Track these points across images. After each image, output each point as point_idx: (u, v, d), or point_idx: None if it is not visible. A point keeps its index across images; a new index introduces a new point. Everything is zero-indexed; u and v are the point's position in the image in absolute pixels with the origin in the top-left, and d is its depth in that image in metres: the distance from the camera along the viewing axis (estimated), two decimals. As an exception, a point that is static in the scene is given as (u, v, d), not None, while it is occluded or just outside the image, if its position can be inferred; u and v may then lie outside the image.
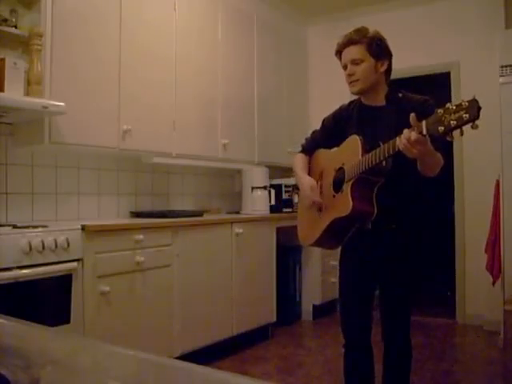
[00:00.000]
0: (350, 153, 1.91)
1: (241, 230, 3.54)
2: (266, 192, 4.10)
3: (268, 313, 3.86)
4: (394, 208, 1.93)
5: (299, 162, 2.25)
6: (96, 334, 2.49)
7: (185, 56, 3.51)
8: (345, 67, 2.02)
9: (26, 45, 2.61)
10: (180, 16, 3.48)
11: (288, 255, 4.29)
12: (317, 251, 4.33)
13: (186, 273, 3.08)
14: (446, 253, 4.69)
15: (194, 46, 3.63)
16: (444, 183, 4.63)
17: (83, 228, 2.49)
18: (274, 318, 3.91)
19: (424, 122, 1.53)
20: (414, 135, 1.56)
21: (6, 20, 2.55)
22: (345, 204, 1.85)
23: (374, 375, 2.10)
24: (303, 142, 2.32)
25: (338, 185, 1.96)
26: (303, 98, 4.99)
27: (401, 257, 2.00)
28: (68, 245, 2.38)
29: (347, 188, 1.87)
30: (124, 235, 2.69)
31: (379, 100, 2.01)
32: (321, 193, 2.11)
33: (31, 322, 0.80)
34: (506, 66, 3.54)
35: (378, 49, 1.96)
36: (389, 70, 2.03)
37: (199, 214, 3.55)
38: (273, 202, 4.18)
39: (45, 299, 2.32)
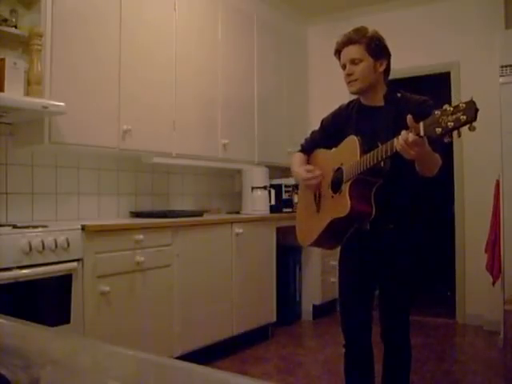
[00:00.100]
0: (349, 153, 1.91)
1: (241, 230, 3.54)
2: (266, 192, 4.11)
3: (268, 313, 3.86)
4: (393, 208, 1.93)
5: (297, 160, 2.26)
6: (96, 334, 2.49)
7: (185, 56, 3.51)
8: (343, 67, 2.02)
9: (26, 45, 2.61)
10: (180, 16, 3.48)
11: (288, 255, 4.29)
12: (317, 251, 4.33)
13: (186, 273, 3.08)
14: (446, 253, 4.69)
15: (194, 46, 3.63)
16: (444, 183, 4.63)
17: (83, 228, 2.49)
18: (274, 318, 3.91)
19: (421, 124, 1.53)
20: (411, 137, 1.56)
21: (6, 20, 2.55)
22: (343, 204, 1.86)
23: (374, 375, 2.10)
24: (302, 141, 2.33)
25: (336, 185, 1.96)
26: (303, 98, 4.99)
27: (399, 257, 1.99)
28: (68, 245, 2.38)
29: (345, 188, 1.87)
30: (124, 235, 2.69)
31: (378, 100, 2.01)
32: (319, 193, 2.11)
33: (31, 322, 0.80)
34: (506, 66, 3.54)
35: (377, 49, 1.97)
36: (387, 70, 2.03)
37: (199, 213, 3.55)
38: (273, 202, 4.18)
39: (45, 299, 2.32)
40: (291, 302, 4.34)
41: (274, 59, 4.54)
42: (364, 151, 1.82)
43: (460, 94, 4.25)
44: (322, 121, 2.25)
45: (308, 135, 2.33)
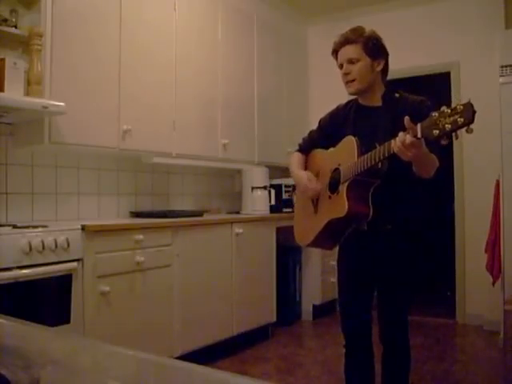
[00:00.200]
0: (346, 154, 1.91)
1: (241, 230, 3.54)
2: (266, 192, 4.11)
3: (268, 313, 3.86)
4: (390, 209, 1.93)
5: (295, 160, 2.26)
6: (96, 334, 2.49)
7: (185, 56, 3.51)
8: (341, 66, 2.02)
9: (26, 45, 2.61)
10: (180, 16, 3.48)
11: (288, 255, 4.29)
12: (317, 251, 4.33)
13: (186, 273, 3.08)
14: (446, 253, 4.69)
15: (194, 46, 3.63)
16: (444, 183, 4.63)
17: (83, 228, 2.49)
18: (274, 318, 3.91)
19: (419, 126, 1.53)
20: (408, 138, 1.56)
21: (6, 20, 2.55)
22: (341, 205, 1.85)
23: (374, 375, 2.10)
24: (300, 141, 2.33)
25: (333, 186, 1.96)
26: (303, 98, 4.99)
27: (397, 257, 1.99)
28: (68, 245, 2.38)
29: (343, 189, 1.87)
30: (124, 235, 2.69)
31: (376, 100, 2.01)
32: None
33: (31, 322, 0.80)
34: (506, 66, 3.54)
35: (375, 48, 1.96)
36: (385, 70, 2.03)
37: (199, 213, 3.55)
38: (273, 202, 4.19)
39: (45, 299, 2.32)
40: (291, 302, 4.34)
41: (274, 59, 4.54)
42: (362, 152, 1.82)
43: (460, 94, 4.25)
44: (320, 121, 2.25)
45: (306, 135, 2.33)
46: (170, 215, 3.24)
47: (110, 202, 3.37)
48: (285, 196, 4.32)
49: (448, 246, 4.55)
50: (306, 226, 2.16)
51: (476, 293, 4.14)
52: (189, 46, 3.57)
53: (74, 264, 2.41)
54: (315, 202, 2.11)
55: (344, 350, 2.13)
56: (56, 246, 2.33)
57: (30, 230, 2.29)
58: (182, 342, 3.03)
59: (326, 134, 2.16)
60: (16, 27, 2.60)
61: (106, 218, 3.28)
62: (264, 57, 4.37)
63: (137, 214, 3.42)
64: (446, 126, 1.43)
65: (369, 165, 1.76)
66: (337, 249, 2.18)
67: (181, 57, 3.48)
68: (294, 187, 4.26)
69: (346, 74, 1.99)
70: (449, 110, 1.44)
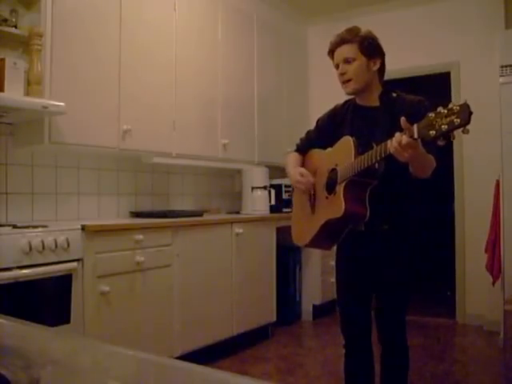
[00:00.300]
0: (343, 154, 1.90)
1: (241, 230, 3.54)
2: (266, 192, 4.11)
3: (268, 313, 3.86)
4: (387, 209, 1.93)
5: (291, 160, 2.25)
6: (96, 334, 2.49)
7: (185, 56, 3.51)
8: (337, 67, 2.02)
9: (26, 45, 2.61)
10: (180, 16, 3.48)
11: (288, 255, 4.29)
12: (316, 251, 4.33)
13: (186, 273, 3.08)
14: (446, 253, 4.70)
15: (194, 46, 3.63)
16: (444, 183, 4.63)
17: (83, 228, 2.49)
18: (274, 318, 3.91)
19: (415, 126, 1.52)
20: (405, 139, 1.55)
21: (6, 20, 2.55)
22: (337, 206, 1.85)
23: (374, 375, 2.10)
24: (298, 141, 2.32)
25: (331, 186, 1.96)
26: (303, 98, 4.99)
27: (394, 257, 1.98)
28: (68, 245, 2.38)
29: (340, 190, 1.87)
30: (124, 235, 2.69)
31: (373, 100, 2.01)
32: (314, 193, 2.10)
33: (31, 322, 0.80)
34: (506, 66, 3.54)
35: (370, 47, 1.96)
36: (382, 70, 2.02)
37: (199, 214, 3.55)
38: (273, 202, 4.19)
39: (45, 299, 2.32)
40: (291, 302, 4.34)
41: (274, 59, 4.54)
42: (359, 152, 1.82)
43: (460, 94, 4.25)
44: (318, 121, 2.24)
45: (303, 135, 2.33)
46: (170, 215, 3.24)
47: (109, 201, 3.37)
48: (285, 196, 4.32)
49: (448, 246, 4.55)
50: (304, 227, 2.16)
51: (476, 293, 4.14)
52: (189, 46, 3.57)
53: (74, 264, 2.41)
54: (312, 202, 2.11)
55: (344, 351, 2.13)
56: (56, 246, 2.33)
57: (30, 230, 2.29)
58: (182, 342, 3.03)
59: (324, 133, 2.16)
60: (16, 27, 2.60)
61: (105, 218, 3.28)
62: (264, 57, 4.37)
63: (137, 214, 3.42)
64: (443, 126, 1.43)
65: (365, 165, 1.75)
66: (332, 249, 2.18)
67: (181, 57, 3.48)
68: (293, 187, 4.26)
69: (342, 74, 1.99)
70: (445, 111, 1.43)
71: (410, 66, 4.46)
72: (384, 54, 2.01)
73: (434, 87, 4.18)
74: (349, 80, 1.97)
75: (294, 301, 4.39)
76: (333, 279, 4.29)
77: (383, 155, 1.67)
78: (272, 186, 4.21)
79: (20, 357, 0.66)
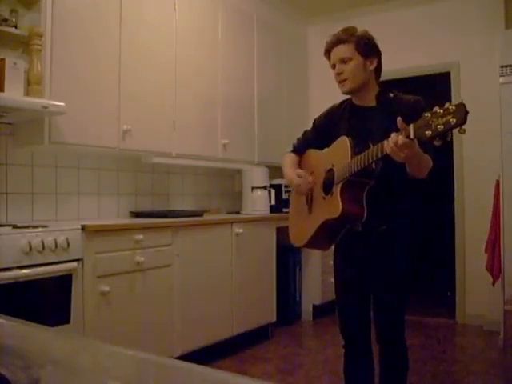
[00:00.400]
0: (340, 154, 1.90)
1: (241, 230, 3.54)
2: (266, 192, 4.11)
3: (268, 313, 3.86)
4: (385, 209, 1.92)
5: (288, 160, 2.24)
6: (96, 334, 2.49)
7: (185, 56, 3.51)
8: (333, 67, 2.02)
9: (26, 45, 2.61)
10: (180, 16, 3.48)
11: (288, 255, 4.29)
12: (316, 251, 4.32)
13: (186, 273, 3.08)
14: (446, 253, 4.69)
15: (194, 46, 3.63)
16: (444, 183, 4.63)
17: (83, 228, 2.49)
18: (274, 318, 3.91)
19: (411, 126, 1.51)
20: (401, 139, 1.55)
21: (6, 20, 2.55)
22: (334, 206, 1.84)
23: (373, 376, 2.10)
24: (294, 141, 2.32)
25: (328, 186, 1.95)
26: (303, 98, 4.99)
27: (392, 258, 1.98)
28: (68, 245, 2.38)
29: (337, 190, 1.86)
30: (124, 235, 2.69)
31: (370, 100, 2.00)
32: (311, 194, 2.10)
33: (31, 322, 0.80)
34: (506, 66, 3.54)
35: (367, 47, 1.96)
36: (379, 70, 2.02)
37: (199, 214, 3.55)
38: (273, 202, 4.19)
39: (45, 299, 2.32)
40: (291, 302, 4.35)
41: (274, 59, 4.54)
42: (355, 152, 1.81)
43: (460, 94, 4.25)
44: (315, 121, 2.24)
45: (300, 135, 2.32)
46: (170, 215, 3.24)
47: (109, 202, 3.37)
48: (285, 196, 4.32)
49: (448, 246, 4.55)
50: (301, 227, 2.15)
51: (476, 293, 4.14)
52: (189, 45, 3.57)
53: (74, 264, 2.41)
54: (309, 202, 2.10)
55: (343, 351, 2.13)
56: (56, 246, 2.33)
57: (30, 230, 2.29)
58: (182, 342, 3.03)
59: (321, 134, 2.15)
60: (16, 27, 2.60)
61: (105, 218, 3.28)
62: (264, 57, 4.37)
63: (137, 214, 3.42)
64: (439, 126, 1.42)
65: (362, 165, 1.75)
66: (330, 250, 2.18)
67: (181, 57, 3.48)
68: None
69: (338, 74, 1.99)
70: (441, 111, 1.43)
71: (409, 66, 4.46)
72: (380, 54, 2.01)
73: (433, 87, 4.19)
74: (345, 80, 1.97)
75: (294, 301, 4.39)
76: (333, 279, 4.31)
77: (380, 155, 1.67)
78: (272, 186, 4.21)
79: (20, 357, 0.66)
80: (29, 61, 2.56)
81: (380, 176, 1.83)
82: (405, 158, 1.62)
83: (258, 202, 4.05)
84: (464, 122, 1.39)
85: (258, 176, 4.10)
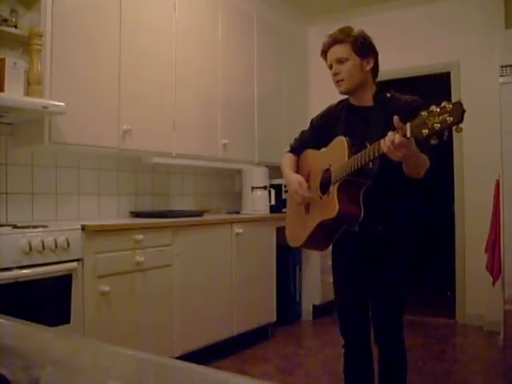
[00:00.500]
0: (337, 154, 1.89)
1: (241, 230, 3.54)
2: (266, 192, 4.11)
3: (268, 313, 3.86)
4: (381, 210, 1.91)
5: (287, 161, 2.23)
6: (96, 334, 2.49)
7: (185, 56, 3.51)
8: (330, 67, 2.02)
9: (26, 45, 2.61)
10: (180, 16, 3.48)
11: (288, 255, 4.29)
12: (316, 251, 4.33)
13: (186, 273, 3.08)
14: (446, 253, 4.69)
15: (194, 46, 3.63)
16: (444, 183, 4.63)
17: (83, 228, 2.49)
18: (274, 318, 3.91)
19: (408, 125, 1.51)
20: (397, 138, 1.54)
21: (6, 20, 2.55)
22: (331, 206, 1.84)
23: (373, 375, 2.10)
24: (292, 142, 2.32)
25: (325, 186, 1.94)
26: (303, 98, 4.99)
27: (389, 258, 1.97)
28: (68, 245, 2.38)
29: (334, 190, 1.85)
30: (124, 235, 2.69)
31: (367, 100, 2.00)
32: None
33: (31, 322, 0.80)
34: (506, 66, 3.54)
35: (363, 47, 1.96)
36: (375, 70, 2.02)
37: (199, 214, 3.55)
38: (273, 202, 4.19)
39: (45, 299, 2.32)
40: (291, 302, 4.34)
41: (274, 59, 4.54)
42: (352, 152, 1.81)
43: (460, 94, 4.25)
44: (312, 121, 2.24)
45: (297, 135, 2.32)
46: (170, 215, 3.24)
47: (110, 202, 3.37)
48: (285, 196, 4.31)
49: (448, 246, 4.55)
50: (298, 228, 2.14)
51: (476, 293, 4.14)
52: (189, 45, 3.57)
53: (74, 264, 2.42)
54: (307, 203, 2.10)
55: (343, 351, 2.12)
56: (56, 245, 2.33)
57: (30, 230, 2.30)
58: (182, 342, 3.03)
59: (318, 134, 2.15)
60: (16, 27, 2.60)
61: (105, 218, 3.28)
62: (264, 57, 4.37)
63: (137, 214, 3.42)
64: (435, 125, 1.42)
65: (359, 165, 1.74)
66: (327, 250, 2.18)
67: (181, 57, 3.48)
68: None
69: (335, 74, 1.99)
70: (438, 109, 1.42)
71: (410, 66, 4.46)
72: (377, 54, 2.01)
73: (433, 87, 4.18)
74: (342, 80, 1.97)
75: (294, 301, 4.39)
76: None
77: (376, 154, 1.66)
78: (272, 185, 4.21)
79: (20, 357, 0.66)
80: (29, 61, 2.56)
81: (377, 176, 1.82)
82: (402, 158, 1.61)
83: (258, 202, 4.05)
84: (461, 120, 1.39)
85: (257, 176, 4.10)
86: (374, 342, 2.05)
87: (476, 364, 3.29)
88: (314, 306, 4.45)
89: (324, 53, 2.04)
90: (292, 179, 2.11)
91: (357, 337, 2.06)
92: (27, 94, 2.53)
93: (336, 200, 1.82)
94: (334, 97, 2.13)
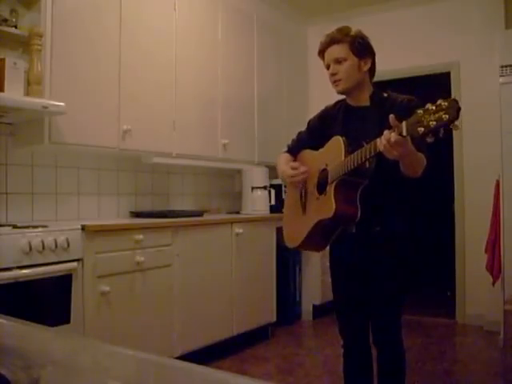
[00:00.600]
0: (333, 154, 1.89)
1: (241, 230, 3.54)
2: (266, 192, 4.11)
3: (268, 313, 3.86)
4: (379, 210, 1.91)
5: (282, 160, 2.23)
6: (96, 334, 2.49)
7: (185, 56, 3.51)
8: (328, 67, 2.01)
9: (26, 45, 2.61)
10: (180, 16, 3.48)
11: (288, 255, 4.29)
12: (317, 251, 4.32)
13: (186, 273, 3.08)
14: (446, 253, 4.70)
15: (194, 46, 3.63)
16: (444, 183, 4.63)
17: (83, 228, 2.49)
18: (274, 318, 3.91)
19: (404, 123, 1.51)
20: (393, 136, 1.54)
21: (6, 20, 2.55)
22: (328, 206, 1.83)
23: (372, 375, 2.09)
24: (289, 142, 2.31)
25: (322, 186, 1.94)
26: (303, 98, 4.99)
27: (387, 260, 1.96)
28: (68, 245, 2.38)
29: (330, 190, 1.85)
30: (124, 235, 2.69)
31: (364, 100, 2.00)
32: (305, 194, 2.09)
33: (31, 322, 0.80)
34: (506, 66, 3.54)
35: (361, 47, 1.95)
36: (373, 70, 2.02)
37: (199, 214, 3.55)
38: (273, 202, 4.18)
39: (45, 299, 2.32)
40: (291, 302, 4.34)
41: (274, 59, 4.54)
42: (348, 152, 1.80)
43: (460, 94, 4.25)
44: (309, 121, 2.24)
45: (295, 136, 2.32)
46: (170, 215, 3.24)
47: (110, 202, 3.37)
48: (285, 196, 4.31)
49: (448, 246, 4.55)
50: (295, 228, 2.14)
51: (476, 293, 4.13)
52: (189, 45, 3.57)
53: (74, 264, 2.42)
54: (303, 203, 2.09)
55: (342, 351, 2.12)
56: (56, 246, 2.33)
57: (30, 230, 2.30)
58: (182, 342, 3.03)
59: (315, 134, 2.14)
60: (16, 27, 2.60)
61: (105, 218, 3.28)
62: (264, 57, 4.37)
63: (137, 214, 3.42)
64: (431, 122, 1.41)
65: (355, 164, 1.74)
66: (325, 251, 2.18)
67: (181, 57, 3.48)
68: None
69: (333, 75, 1.98)
70: (433, 107, 1.42)
71: (410, 66, 4.46)
72: (374, 54, 2.01)
73: (434, 87, 4.18)
74: (340, 80, 1.97)
75: (294, 301, 4.39)
76: (332, 279, 4.30)
77: (373, 153, 1.66)
78: (272, 185, 4.21)
79: (20, 357, 0.66)
80: (29, 61, 2.56)
81: (374, 176, 1.81)
82: (398, 156, 1.61)
83: (258, 202, 4.05)
84: (456, 117, 1.39)
85: (257, 176, 4.10)
86: (372, 342, 2.04)
87: (476, 364, 3.29)
88: (314, 306, 4.45)
89: (321, 52, 2.04)
90: (286, 169, 2.10)
91: (355, 337, 2.06)
92: (27, 94, 2.53)
93: (333, 200, 1.81)
94: (334, 97, 2.13)
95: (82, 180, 3.19)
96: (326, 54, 2.01)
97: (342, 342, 2.11)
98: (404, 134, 1.51)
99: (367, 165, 1.77)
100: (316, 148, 2.10)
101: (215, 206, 4.23)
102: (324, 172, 1.94)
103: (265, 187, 4.10)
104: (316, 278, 4.43)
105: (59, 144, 2.72)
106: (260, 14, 4.35)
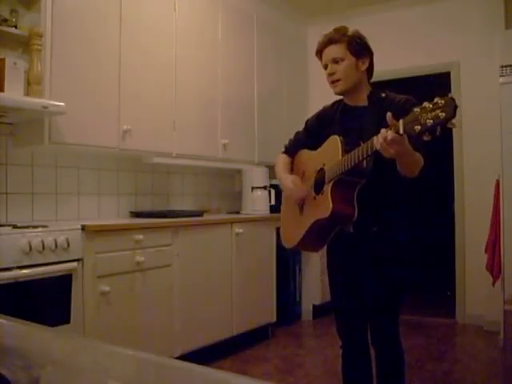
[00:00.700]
0: (331, 153, 1.89)
1: (241, 230, 3.54)
2: (266, 192, 4.11)
3: (268, 313, 3.86)
4: (376, 210, 1.90)
5: (281, 162, 2.23)
6: (96, 334, 2.49)
7: (185, 56, 3.51)
8: (325, 67, 2.01)
9: (26, 45, 2.61)
10: (180, 16, 3.48)
11: (288, 255, 4.29)
12: (317, 251, 4.32)
13: (186, 273, 3.08)
14: (446, 253, 4.69)
15: (194, 46, 3.63)
16: (444, 183, 4.63)
17: (83, 228, 2.49)
18: (274, 318, 3.91)
19: (401, 121, 1.50)
20: (390, 134, 1.53)
21: (6, 20, 2.55)
22: (325, 206, 1.83)
23: (371, 375, 2.09)
24: (286, 143, 2.31)
25: (319, 186, 1.94)
26: (303, 98, 4.99)
27: (384, 259, 1.95)
28: (68, 245, 2.38)
29: (327, 189, 1.85)
30: (124, 235, 2.69)
31: (361, 100, 2.00)
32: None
33: (31, 322, 0.80)
34: (506, 66, 3.54)
35: (359, 47, 1.95)
36: (370, 70, 2.02)
37: (199, 214, 3.55)
38: (273, 202, 4.18)
39: (45, 299, 2.32)
40: (291, 301, 4.34)
41: (274, 59, 4.54)
42: (346, 151, 1.80)
43: (460, 94, 4.25)
44: (307, 121, 2.24)
45: (292, 136, 2.32)
46: (170, 215, 3.24)
47: (110, 202, 3.37)
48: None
49: (448, 246, 4.55)
50: (292, 228, 2.13)
51: (476, 293, 4.13)
52: (189, 45, 3.57)
53: (74, 264, 2.42)
54: (301, 203, 2.09)
55: (341, 351, 2.12)
56: (56, 246, 2.33)
57: (30, 230, 2.30)
58: (182, 342, 3.03)
59: (312, 134, 2.14)
60: (16, 27, 2.60)
61: (105, 218, 3.28)
62: (264, 57, 4.37)
63: (137, 214, 3.42)
64: (428, 121, 1.41)
65: (352, 163, 1.73)
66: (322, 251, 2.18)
67: (181, 57, 3.47)
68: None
69: (331, 75, 1.98)
70: (430, 105, 1.42)
71: (410, 66, 4.46)
72: (372, 54, 2.01)
73: (434, 87, 4.18)
74: (338, 80, 1.97)
75: (294, 301, 4.39)
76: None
77: (369, 152, 1.66)
78: (272, 185, 4.21)
79: (20, 357, 0.66)
80: (29, 61, 2.56)
81: (372, 176, 1.81)
82: (395, 155, 1.60)
83: (258, 202, 4.05)
84: (453, 115, 1.38)
85: (257, 176, 4.10)
86: (371, 343, 2.04)
87: (476, 364, 3.29)
88: (314, 306, 4.45)
89: (319, 52, 2.04)
90: (287, 179, 2.11)
91: (354, 338, 2.06)
92: (27, 94, 2.53)
93: (330, 199, 1.81)
94: (334, 97, 2.13)
95: (82, 180, 3.19)
96: (324, 54, 2.01)
97: (340, 343, 2.11)
98: (401, 132, 1.51)
99: (364, 164, 1.77)
100: (314, 148, 2.10)
101: (215, 206, 4.23)
102: (321, 172, 1.94)
103: (265, 187, 4.10)
104: (316, 278, 4.43)
105: (59, 144, 2.72)
106: (260, 14, 4.35)
